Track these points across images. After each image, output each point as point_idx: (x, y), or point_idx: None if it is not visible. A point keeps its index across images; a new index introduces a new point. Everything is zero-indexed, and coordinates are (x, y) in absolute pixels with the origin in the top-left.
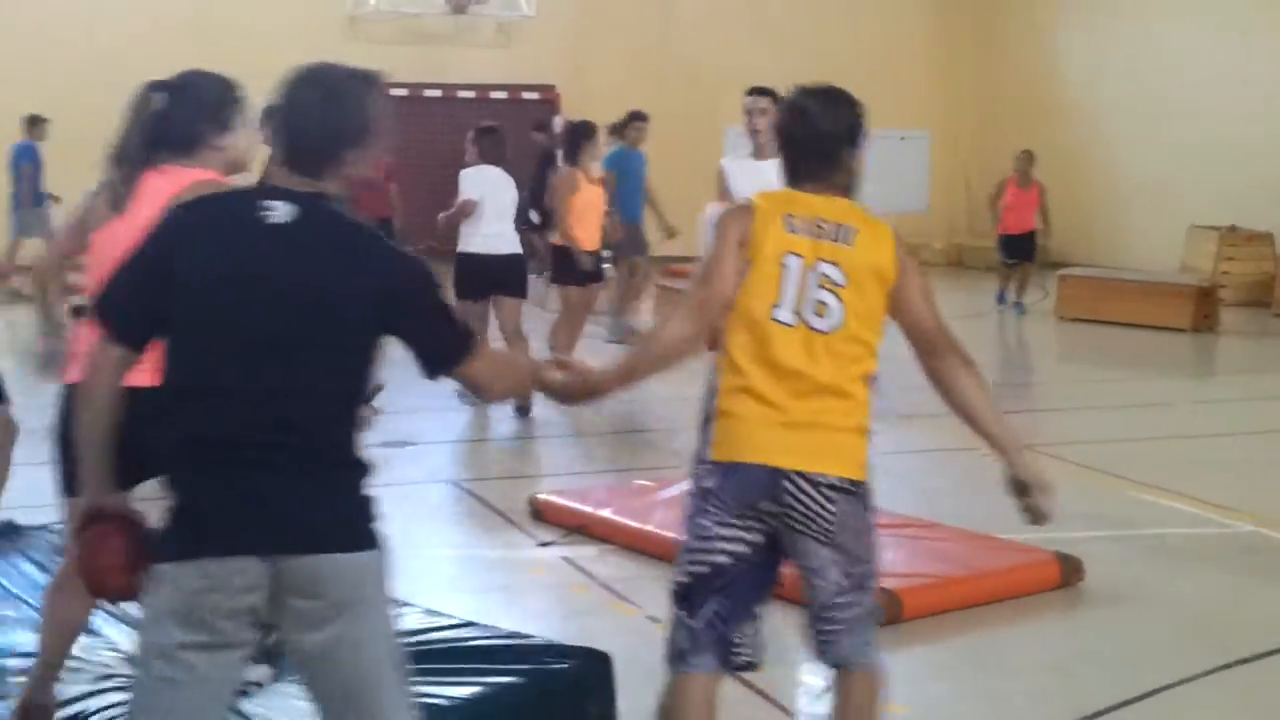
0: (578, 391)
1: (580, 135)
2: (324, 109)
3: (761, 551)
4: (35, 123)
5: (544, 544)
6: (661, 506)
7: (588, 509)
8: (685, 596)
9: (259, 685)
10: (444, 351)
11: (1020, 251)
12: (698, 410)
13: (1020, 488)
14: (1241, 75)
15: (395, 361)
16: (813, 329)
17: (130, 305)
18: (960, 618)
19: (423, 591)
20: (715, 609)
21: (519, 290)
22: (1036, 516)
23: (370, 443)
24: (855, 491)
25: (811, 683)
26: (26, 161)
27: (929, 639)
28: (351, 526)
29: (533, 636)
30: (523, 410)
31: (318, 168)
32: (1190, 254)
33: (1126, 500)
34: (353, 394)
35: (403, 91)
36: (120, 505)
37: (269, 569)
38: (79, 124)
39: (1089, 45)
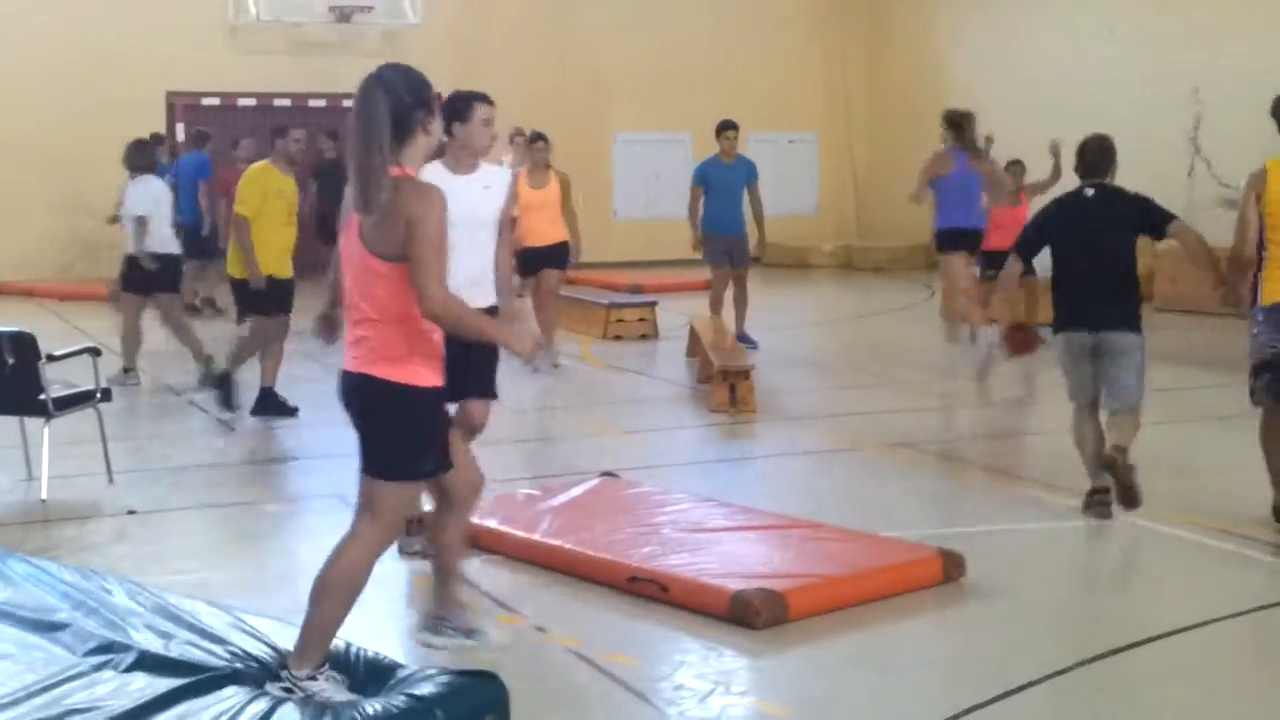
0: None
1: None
2: (1102, 151)
3: None
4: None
5: (428, 555)
6: (547, 516)
7: (473, 519)
8: (1259, 372)
9: None
10: (1163, 225)
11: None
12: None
13: None
14: (1112, 72)
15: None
16: None
17: (1030, 242)
18: (844, 617)
19: (301, 610)
20: (1270, 377)
21: None
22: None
23: (256, 458)
24: None
25: (695, 686)
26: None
27: (813, 639)
28: (1130, 322)
29: (421, 668)
30: None
31: (1101, 172)
32: None
33: (1008, 496)
34: (1132, 265)
35: (286, 102)
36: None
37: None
38: None
39: (973, 49)
